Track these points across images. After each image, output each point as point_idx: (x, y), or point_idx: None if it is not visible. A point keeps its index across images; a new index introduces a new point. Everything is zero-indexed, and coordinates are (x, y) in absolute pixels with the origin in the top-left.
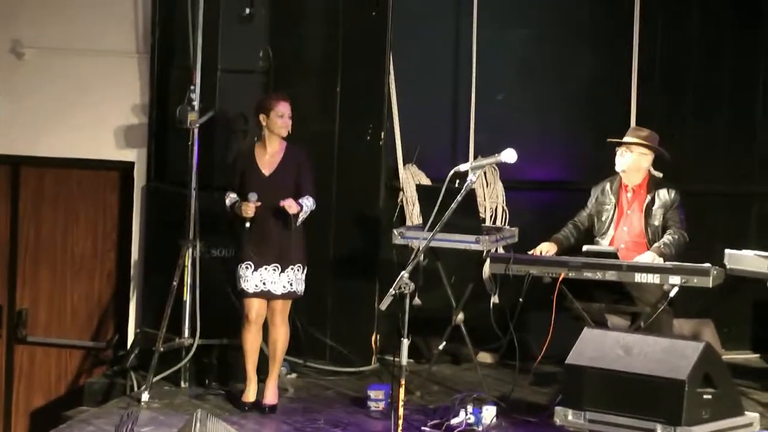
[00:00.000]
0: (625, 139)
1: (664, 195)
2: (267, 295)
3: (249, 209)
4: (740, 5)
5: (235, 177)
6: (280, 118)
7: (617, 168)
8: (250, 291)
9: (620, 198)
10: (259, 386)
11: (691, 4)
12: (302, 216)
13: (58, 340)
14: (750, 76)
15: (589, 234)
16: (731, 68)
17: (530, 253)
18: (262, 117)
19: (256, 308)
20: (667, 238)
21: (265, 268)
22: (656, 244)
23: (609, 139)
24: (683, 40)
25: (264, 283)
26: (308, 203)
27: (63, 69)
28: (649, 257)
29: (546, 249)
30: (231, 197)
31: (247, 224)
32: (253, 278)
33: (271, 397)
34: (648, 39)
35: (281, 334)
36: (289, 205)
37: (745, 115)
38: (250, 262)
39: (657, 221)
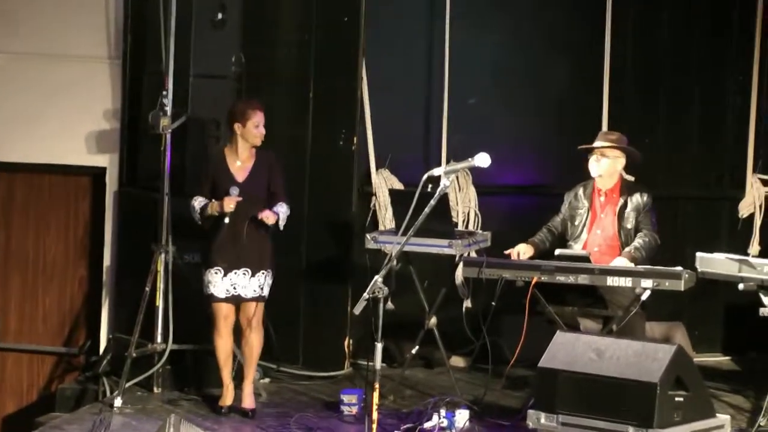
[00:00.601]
0: (598, 143)
1: (636, 198)
2: (237, 300)
3: (231, 202)
4: (710, 11)
5: (205, 183)
6: (256, 128)
7: (593, 173)
8: (221, 296)
9: (593, 202)
10: (235, 391)
11: (661, 10)
12: (281, 223)
13: (29, 346)
14: (720, 80)
15: (563, 239)
16: (702, 72)
17: (507, 253)
18: (237, 126)
19: (225, 313)
20: (638, 241)
21: (235, 273)
22: (627, 249)
23: (580, 147)
24: (654, 45)
25: (234, 288)
26: (283, 210)
27: (34, 75)
28: (621, 262)
29: (523, 250)
30: (200, 200)
31: (226, 219)
32: (222, 283)
33: (249, 401)
34: (619, 44)
35: (257, 338)
36: (267, 216)
37: (716, 119)
38: (219, 267)
39: (630, 224)
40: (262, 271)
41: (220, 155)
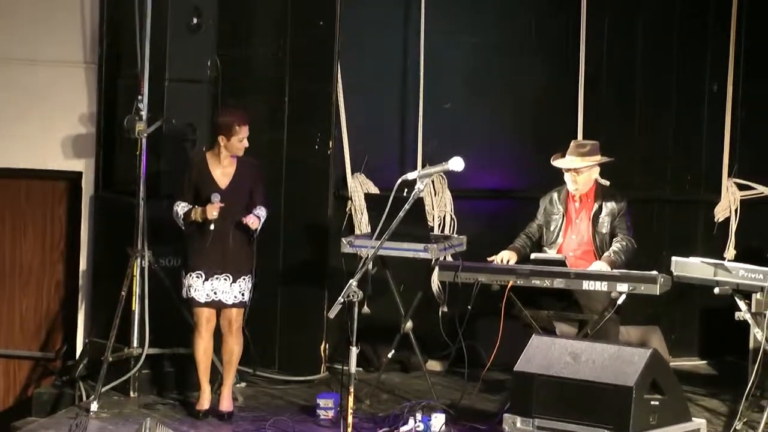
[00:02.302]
0: (570, 158)
1: (611, 203)
2: (218, 305)
3: (214, 209)
4: (687, 15)
5: (188, 188)
6: (240, 142)
7: (571, 190)
8: (202, 300)
9: (568, 207)
10: (213, 395)
11: (637, 14)
12: (258, 227)
13: (6, 350)
14: (697, 83)
15: (539, 245)
16: (678, 75)
17: (490, 260)
18: (222, 139)
19: (206, 317)
20: (616, 245)
21: (216, 278)
22: (606, 254)
23: (554, 163)
24: (630, 49)
25: (215, 293)
26: (263, 213)
27: (9, 79)
28: (600, 267)
29: (507, 257)
30: (183, 206)
31: (212, 226)
32: (203, 288)
33: (227, 404)
34: (595, 48)
35: (237, 344)
36: (252, 222)
37: (692, 122)
38: (200, 272)
39: (605, 229)
40: (243, 277)
41: (202, 161)
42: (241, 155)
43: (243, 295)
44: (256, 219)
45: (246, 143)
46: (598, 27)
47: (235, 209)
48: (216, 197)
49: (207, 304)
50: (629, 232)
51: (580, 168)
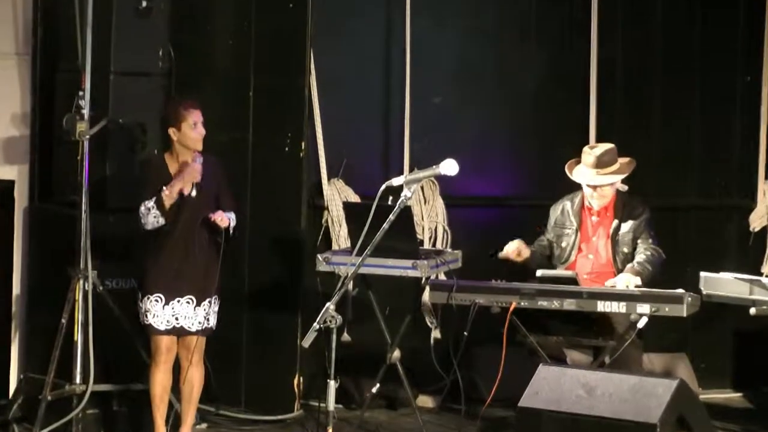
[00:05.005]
0: (597, 179)
1: (633, 216)
2: (179, 332)
3: (196, 171)
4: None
5: (152, 190)
6: (193, 129)
7: (594, 206)
8: (161, 328)
9: (583, 221)
10: None
11: None
12: (232, 225)
13: None
14: (726, 73)
15: (550, 262)
16: (704, 65)
17: (502, 256)
18: (172, 131)
19: (166, 346)
20: (641, 256)
21: (178, 301)
22: (630, 264)
23: (576, 177)
24: (647, 34)
25: (177, 319)
26: (232, 216)
27: None
28: (624, 279)
29: (515, 247)
30: (149, 202)
31: (193, 192)
32: (164, 313)
33: None
34: (607, 33)
35: (198, 375)
36: (221, 218)
37: (721, 118)
38: (160, 295)
39: (627, 248)
40: (207, 299)
41: (160, 162)
42: (199, 147)
43: (208, 320)
44: (225, 216)
45: (201, 129)
46: (610, 10)
47: (201, 217)
48: (199, 158)
49: (168, 332)
50: (654, 242)
51: (609, 184)
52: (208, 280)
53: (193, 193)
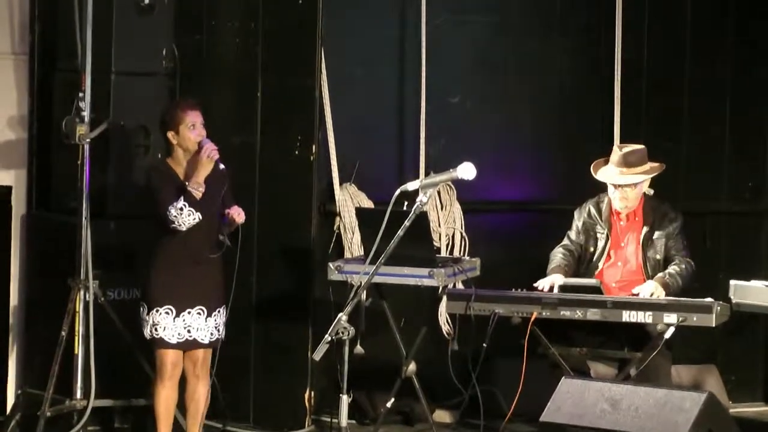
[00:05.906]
0: (625, 178)
1: (664, 222)
2: (191, 346)
3: (211, 150)
4: None
5: (180, 189)
6: (192, 130)
7: (619, 208)
8: (173, 341)
9: (612, 226)
10: None
11: None
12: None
13: None
14: (758, 69)
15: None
16: (735, 62)
17: (539, 288)
18: (171, 135)
19: (174, 361)
20: (672, 268)
21: (189, 312)
22: (660, 274)
23: (601, 176)
24: (676, 31)
25: (189, 331)
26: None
27: None
28: (650, 288)
29: (550, 284)
30: (179, 201)
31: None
32: (175, 326)
33: None
34: (633, 30)
35: (205, 390)
36: (238, 213)
37: (753, 118)
38: (170, 307)
39: (658, 255)
40: (217, 309)
41: (165, 167)
42: None
43: (218, 330)
44: (243, 213)
45: (201, 130)
46: (638, 5)
47: (210, 226)
48: (205, 141)
49: (179, 345)
50: (687, 253)
51: (632, 184)
52: (218, 289)
53: (216, 155)
